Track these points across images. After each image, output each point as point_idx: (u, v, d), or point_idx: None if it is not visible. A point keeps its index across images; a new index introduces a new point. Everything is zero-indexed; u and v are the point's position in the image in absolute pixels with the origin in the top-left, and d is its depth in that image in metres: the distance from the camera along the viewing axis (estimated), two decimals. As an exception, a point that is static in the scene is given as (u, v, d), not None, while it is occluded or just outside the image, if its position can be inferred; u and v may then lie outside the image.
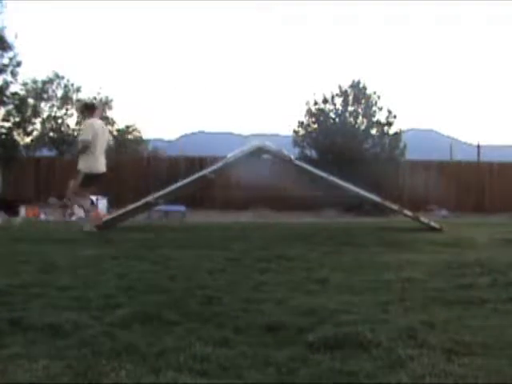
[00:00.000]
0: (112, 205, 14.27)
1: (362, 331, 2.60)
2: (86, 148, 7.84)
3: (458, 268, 4.63)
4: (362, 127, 17.43)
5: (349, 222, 11.76)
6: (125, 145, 24.73)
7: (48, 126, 23.76)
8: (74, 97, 24.41)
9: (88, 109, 8.37)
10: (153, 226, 10.03)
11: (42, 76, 24.88)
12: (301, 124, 17.73)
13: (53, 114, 23.90)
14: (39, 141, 22.54)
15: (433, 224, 8.58)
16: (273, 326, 2.80)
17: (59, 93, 24.12)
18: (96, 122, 8.07)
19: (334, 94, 17.54)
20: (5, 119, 19.43)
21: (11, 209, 11.99)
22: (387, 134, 17.46)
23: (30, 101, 21.58)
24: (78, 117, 24.32)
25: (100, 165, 8.00)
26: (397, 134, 17.56)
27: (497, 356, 2.36)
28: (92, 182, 8.06)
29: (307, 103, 17.65)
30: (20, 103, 19.55)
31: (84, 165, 7.91)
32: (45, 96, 23.63)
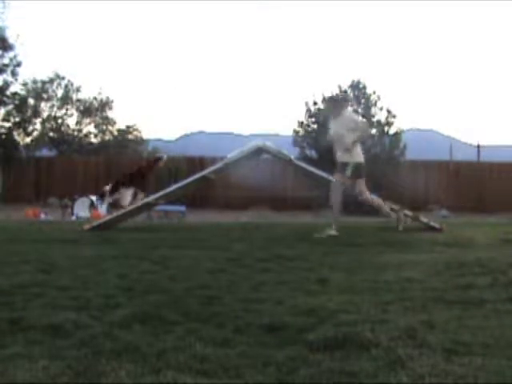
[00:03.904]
0: (112, 205, 14.27)
1: (362, 331, 2.60)
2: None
3: (457, 268, 4.63)
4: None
5: (348, 221, 11.75)
6: (125, 145, 24.75)
7: (48, 126, 23.78)
8: (74, 97, 24.45)
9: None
10: (153, 226, 10.04)
11: (42, 76, 24.96)
12: (301, 124, 17.75)
13: (53, 114, 23.93)
14: (39, 141, 22.56)
15: (433, 224, 8.58)
16: (273, 325, 2.80)
17: (59, 93, 24.17)
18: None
19: (334, 94, 17.54)
20: (5, 119, 19.45)
21: None
22: (387, 133, 17.46)
23: (30, 101, 21.60)
24: (78, 116, 24.34)
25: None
26: (397, 134, 17.57)
27: (497, 356, 2.36)
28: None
29: (307, 103, 17.67)
30: (20, 103, 19.58)
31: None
32: (45, 96, 23.66)
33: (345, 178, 7.70)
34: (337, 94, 7.61)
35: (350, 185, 7.79)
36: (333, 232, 7.60)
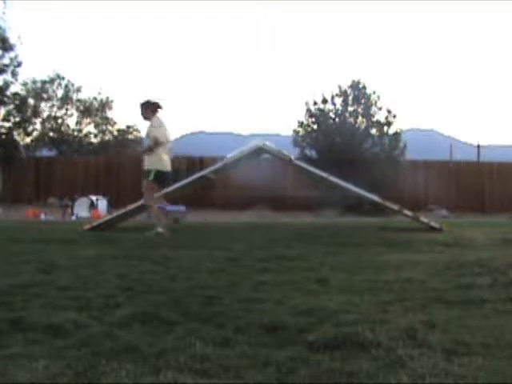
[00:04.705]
0: (112, 205, 14.28)
1: (362, 331, 2.60)
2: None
3: (457, 268, 4.63)
4: (362, 127, 17.44)
5: (349, 221, 11.76)
6: (125, 145, 24.75)
7: (48, 125, 23.78)
8: (74, 97, 24.45)
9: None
10: (153, 226, 10.02)
11: (42, 76, 24.96)
12: (301, 124, 17.75)
13: (53, 114, 23.92)
14: (39, 141, 22.56)
15: (433, 224, 8.58)
16: (273, 326, 2.80)
17: (59, 93, 24.17)
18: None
19: (334, 94, 17.56)
20: (5, 119, 19.44)
21: None
22: (387, 133, 17.46)
23: (30, 101, 21.60)
24: (78, 116, 24.35)
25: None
26: (397, 134, 17.57)
27: (497, 356, 2.36)
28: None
29: (306, 103, 17.67)
30: (20, 103, 19.56)
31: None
32: (45, 96, 23.66)
33: (148, 182, 7.85)
34: (148, 100, 7.85)
35: (152, 189, 7.88)
36: (160, 230, 7.66)
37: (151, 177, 7.76)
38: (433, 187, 17.61)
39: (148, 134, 7.91)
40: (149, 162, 7.83)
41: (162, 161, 7.81)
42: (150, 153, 7.76)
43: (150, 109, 7.90)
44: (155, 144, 7.71)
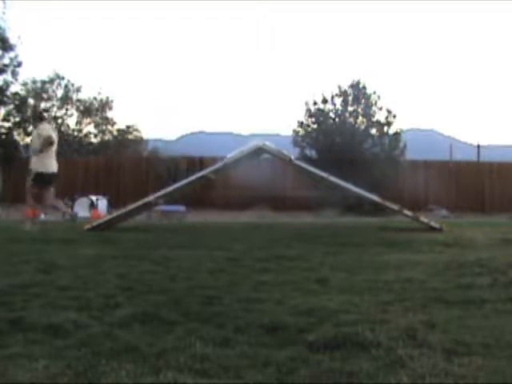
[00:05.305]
0: (112, 205, 14.28)
1: (362, 331, 2.60)
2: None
3: (457, 268, 4.63)
4: (362, 127, 17.42)
5: (349, 221, 11.76)
6: (125, 145, 24.74)
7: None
8: (74, 97, 24.45)
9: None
10: (153, 226, 10.04)
11: (42, 76, 24.95)
12: (301, 124, 17.73)
13: (53, 114, 23.90)
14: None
15: (433, 224, 8.58)
16: (273, 326, 2.80)
17: (59, 93, 24.17)
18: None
19: (334, 94, 17.54)
20: (5, 119, 19.43)
21: None
22: (387, 133, 17.44)
23: (30, 101, 21.58)
24: (78, 116, 24.34)
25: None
26: (397, 134, 17.55)
27: (497, 356, 2.36)
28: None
29: (306, 103, 17.65)
30: (20, 103, 19.54)
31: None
32: (45, 96, 23.65)
33: (29, 182, 8.65)
34: (36, 110, 10.02)
35: (32, 189, 8.69)
36: (27, 227, 8.34)
37: (31, 177, 8.57)
38: (433, 187, 17.60)
39: (37, 137, 8.73)
40: (32, 163, 8.63)
41: (45, 163, 8.57)
42: (39, 154, 8.52)
43: (39, 117, 9.52)
44: (49, 143, 8.55)
